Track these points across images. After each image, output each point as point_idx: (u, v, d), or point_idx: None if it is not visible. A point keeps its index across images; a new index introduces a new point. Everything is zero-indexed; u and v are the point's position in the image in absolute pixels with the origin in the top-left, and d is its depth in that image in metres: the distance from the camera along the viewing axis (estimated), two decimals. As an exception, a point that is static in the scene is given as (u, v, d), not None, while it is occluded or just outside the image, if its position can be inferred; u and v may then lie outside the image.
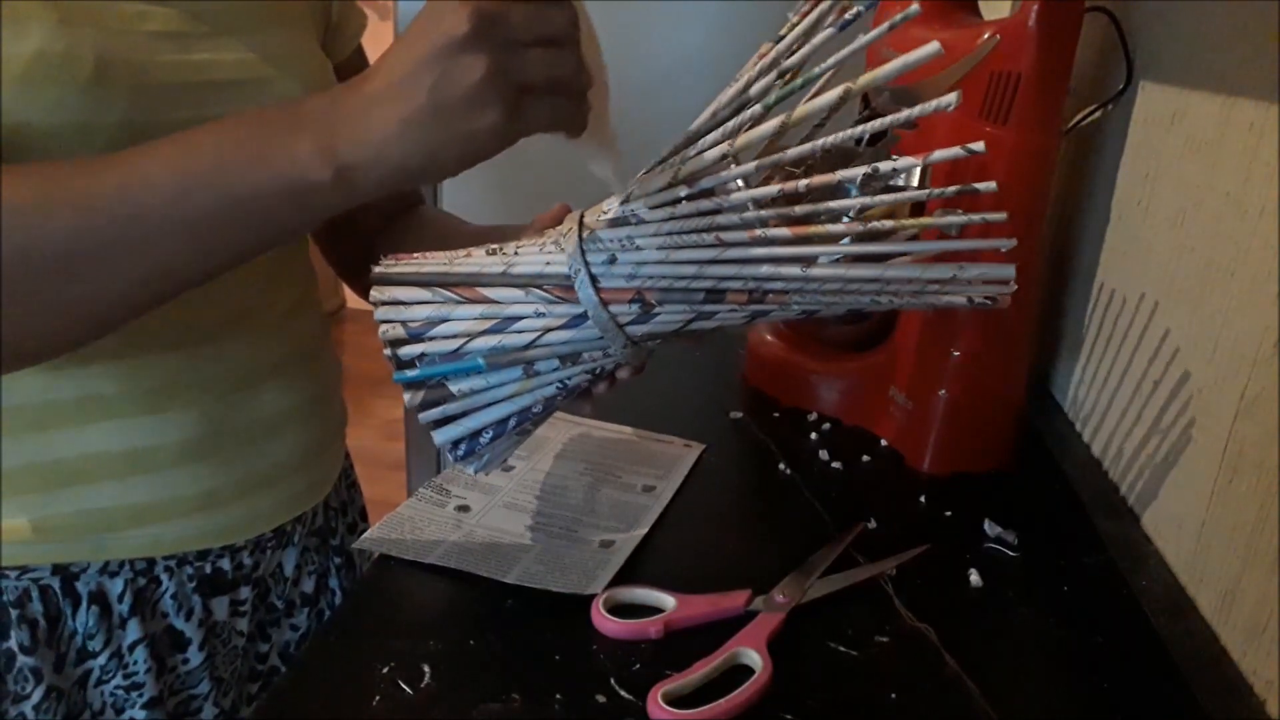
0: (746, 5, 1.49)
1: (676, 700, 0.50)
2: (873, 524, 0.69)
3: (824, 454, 0.80)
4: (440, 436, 0.56)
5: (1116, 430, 0.74)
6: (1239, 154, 0.59)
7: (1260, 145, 0.57)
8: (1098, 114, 0.82)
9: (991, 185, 0.51)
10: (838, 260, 0.52)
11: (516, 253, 0.55)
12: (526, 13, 0.43)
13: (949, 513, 0.72)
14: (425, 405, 0.56)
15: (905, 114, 0.50)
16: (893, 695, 0.53)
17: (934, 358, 0.77)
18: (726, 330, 0.58)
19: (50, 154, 0.50)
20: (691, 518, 0.70)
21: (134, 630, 0.61)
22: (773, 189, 0.52)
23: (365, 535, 0.64)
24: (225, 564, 0.65)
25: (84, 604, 0.60)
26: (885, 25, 0.48)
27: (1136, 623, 0.59)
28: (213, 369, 0.60)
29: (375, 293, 0.56)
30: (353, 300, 3.57)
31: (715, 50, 1.52)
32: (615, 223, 0.54)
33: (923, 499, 0.74)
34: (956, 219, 0.53)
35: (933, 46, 0.45)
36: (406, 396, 0.55)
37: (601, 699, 0.51)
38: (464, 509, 0.68)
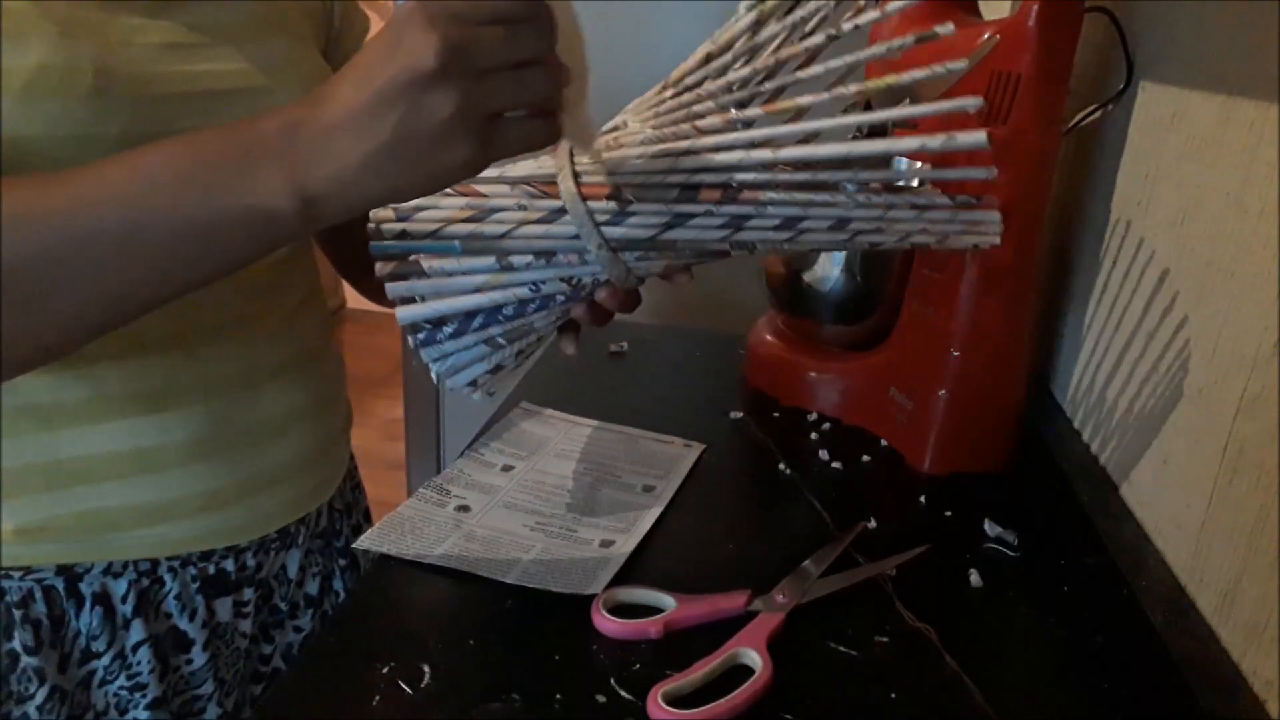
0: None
1: (676, 700, 0.50)
2: (873, 524, 0.69)
3: (824, 454, 0.80)
4: (403, 314, 0.56)
5: (1116, 430, 0.74)
6: (1239, 154, 0.59)
7: (1260, 145, 0.57)
8: (1098, 114, 0.82)
9: (962, 64, 0.50)
10: (804, 142, 0.52)
11: (516, 162, 0.56)
12: (497, 37, 0.41)
13: (949, 513, 0.72)
14: (395, 277, 0.56)
15: (920, 109, 0.51)
16: (893, 695, 0.53)
17: (934, 358, 0.77)
18: (709, 253, 0.57)
19: (52, 166, 0.50)
20: (691, 518, 0.70)
21: (137, 631, 0.61)
22: (745, 71, 0.53)
23: (365, 535, 0.64)
24: (229, 565, 0.65)
25: (88, 605, 0.60)
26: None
27: (1136, 623, 0.59)
28: (217, 370, 0.60)
29: None
30: (353, 300, 3.57)
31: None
32: (606, 132, 0.56)
33: (923, 499, 0.74)
34: (920, 73, 0.51)
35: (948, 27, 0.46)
36: (378, 267, 0.56)
37: (601, 699, 0.51)
38: (464, 509, 0.68)
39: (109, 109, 0.51)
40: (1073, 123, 0.83)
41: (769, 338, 0.93)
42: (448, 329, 0.57)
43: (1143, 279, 0.72)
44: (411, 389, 1.79)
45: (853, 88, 0.51)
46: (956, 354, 0.75)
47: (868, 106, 0.83)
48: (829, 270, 0.85)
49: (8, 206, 0.43)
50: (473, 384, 0.61)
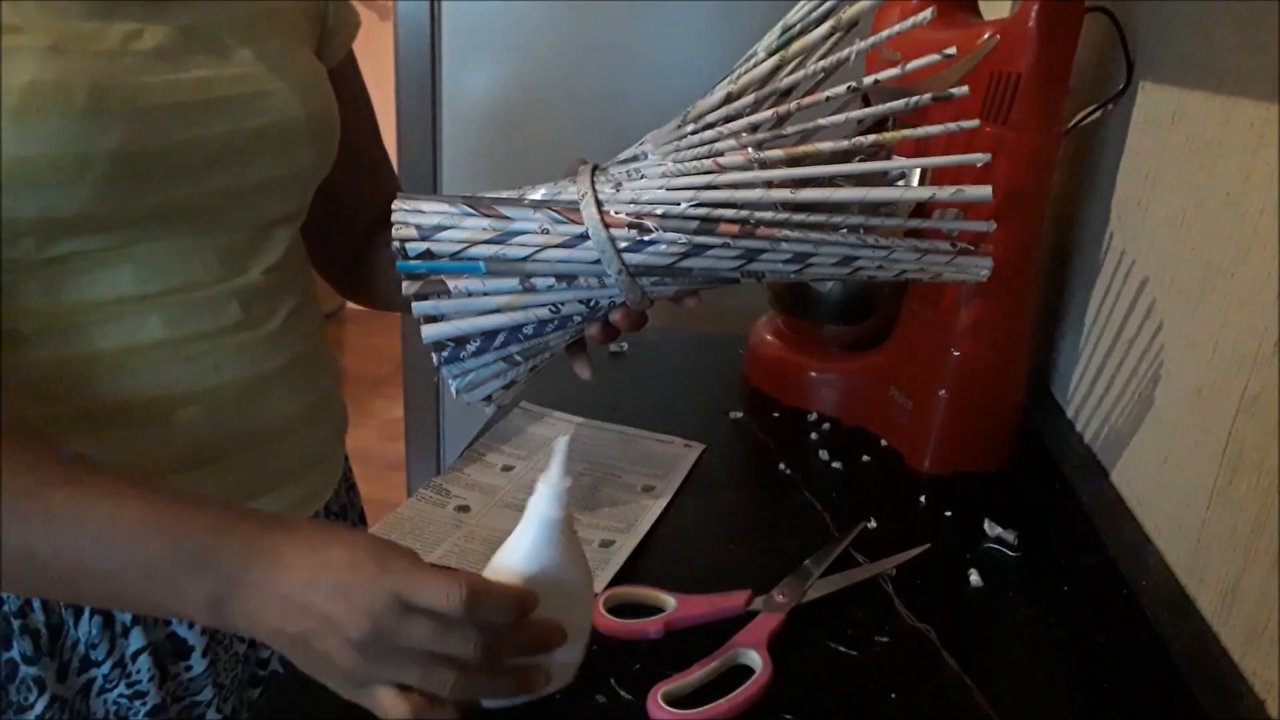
0: (748, 6, 1.49)
1: (676, 700, 0.50)
2: (873, 524, 0.69)
3: (824, 454, 0.80)
4: (429, 333, 0.58)
5: (1116, 430, 0.74)
6: (1239, 154, 0.59)
7: (1260, 145, 0.57)
8: (1098, 114, 0.82)
9: (974, 121, 0.55)
10: (823, 184, 0.55)
11: (534, 186, 0.59)
12: (433, 632, 0.42)
13: (949, 513, 0.72)
14: (421, 296, 0.58)
15: (903, 101, 0.53)
16: (893, 695, 0.53)
17: (934, 358, 0.77)
18: (720, 280, 0.59)
19: (50, 185, 0.49)
20: (691, 518, 0.70)
21: (137, 639, 0.61)
22: (768, 113, 0.55)
23: (365, 536, 0.63)
24: (228, 570, 0.64)
25: (86, 613, 0.59)
26: None
27: (1136, 623, 0.59)
28: (215, 377, 0.60)
29: (399, 201, 0.58)
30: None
31: (717, 53, 1.52)
32: (626, 161, 0.58)
33: (923, 499, 0.74)
34: (934, 128, 0.55)
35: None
36: (405, 284, 0.58)
37: (601, 699, 0.51)
38: (464, 509, 0.68)
39: (104, 125, 0.50)
40: (1073, 123, 0.83)
41: (769, 338, 0.93)
42: (471, 347, 0.59)
43: (1143, 279, 0.72)
44: (411, 389, 1.79)
45: (870, 138, 0.55)
46: (956, 354, 0.75)
47: (866, 101, 0.83)
48: (829, 270, 0.85)
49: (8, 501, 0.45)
50: (488, 398, 0.63)
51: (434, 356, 0.60)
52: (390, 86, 1.59)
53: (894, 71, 0.54)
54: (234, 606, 0.44)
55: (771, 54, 0.56)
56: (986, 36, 0.72)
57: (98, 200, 0.51)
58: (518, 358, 0.60)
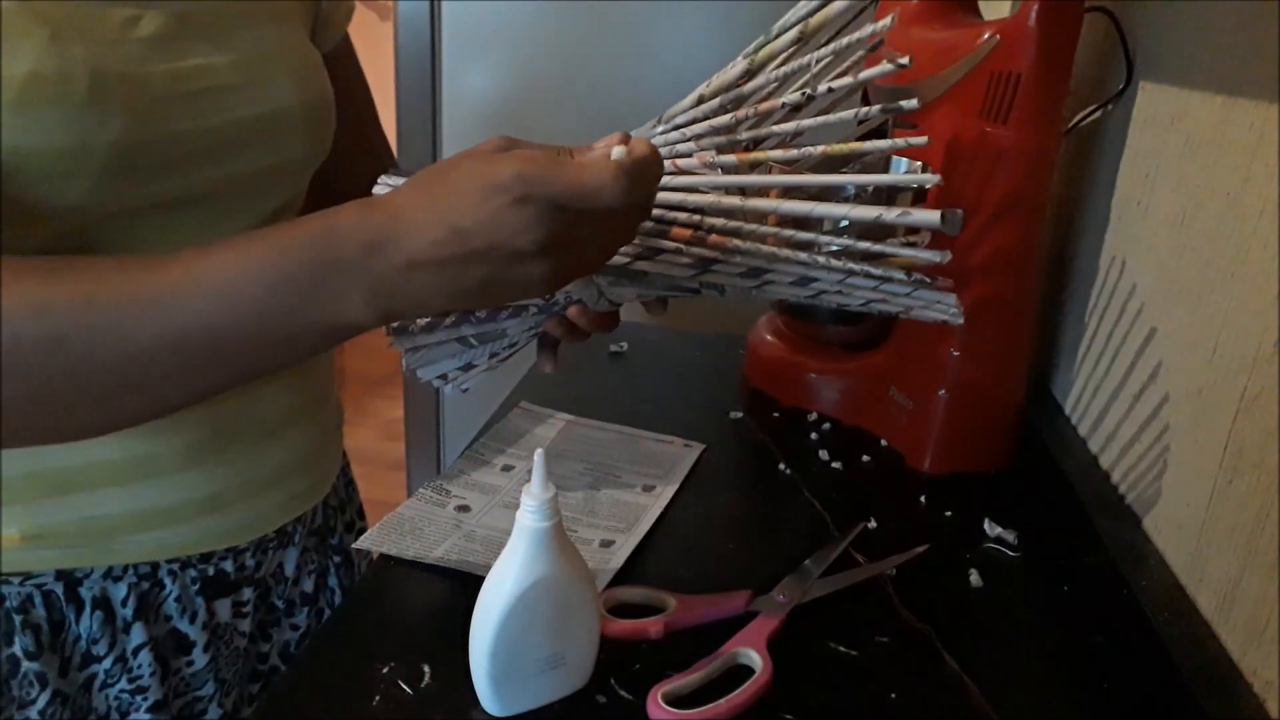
0: (748, 6, 1.49)
1: (676, 700, 0.50)
2: (873, 524, 0.69)
3: (824, 454, 0.80)
4: None
5: (1116, 430, 0.74)
6: (1239, 154, 0.59)
7: (1260, 145, 0.57)
8: (1098, 114, 0.82)
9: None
10: (775, 192, 0.55)
11: None
12: (600, 220, 0.44)
13: (949, 513, 0.72)
14: None
15: (852, 112, 0.55)
16: (893, 695, 0.53)
17: (934, 358, 0.77)
18: (681, 289, 0.58)
19: (50, 176, 0.49)
20: (691, 518, 0.70)
21: (138, 634, 0.61)
22: (727, 117, 0.55)
23: (365, 535, 0.64)
24: (228, 566, 0.65)
25: (88, 609, 0.60)
26: None
27: (1136, 623, 0.59)
28: None
29: (385, 178, 0.60)
30: (353, 300, 3.56)
31: (716, 53, 1.52)
32: None
33: (923, 499, 0.74)
34: (883, 143, 0.55)
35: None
36: None
37: (601, 699, 0.51)
38: (464, 509, 0.68)
39: (104, 116, 0.50)
40: (1073, 123, 0.83)
41: (769, 338, 0.93)
42: (420, 322, 0.59)
43: (1142, 279, 0.72)
44: (411, 389, 1.79)
45: (819, 149, 0.54)
46: (956, 354, 0.75)
47: (865, 99, 0.83)
48: (829, 270, 0.85)
49: (93, 321, 0.44)
50: (443, 377, 0.64)
51: (384, 326, 0.61)
52: (390, 86, 1.59)
53: (849, 81, 0.54)
54: (392, 296, 0.44)
55: (747, 57, 0.56)
56: (986, 36, 0.72)
57: (96, 191, 0.51)
58: (472, 340, 0.61)
